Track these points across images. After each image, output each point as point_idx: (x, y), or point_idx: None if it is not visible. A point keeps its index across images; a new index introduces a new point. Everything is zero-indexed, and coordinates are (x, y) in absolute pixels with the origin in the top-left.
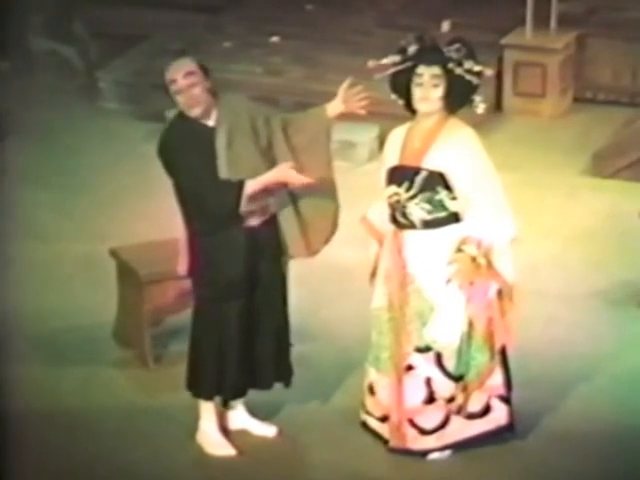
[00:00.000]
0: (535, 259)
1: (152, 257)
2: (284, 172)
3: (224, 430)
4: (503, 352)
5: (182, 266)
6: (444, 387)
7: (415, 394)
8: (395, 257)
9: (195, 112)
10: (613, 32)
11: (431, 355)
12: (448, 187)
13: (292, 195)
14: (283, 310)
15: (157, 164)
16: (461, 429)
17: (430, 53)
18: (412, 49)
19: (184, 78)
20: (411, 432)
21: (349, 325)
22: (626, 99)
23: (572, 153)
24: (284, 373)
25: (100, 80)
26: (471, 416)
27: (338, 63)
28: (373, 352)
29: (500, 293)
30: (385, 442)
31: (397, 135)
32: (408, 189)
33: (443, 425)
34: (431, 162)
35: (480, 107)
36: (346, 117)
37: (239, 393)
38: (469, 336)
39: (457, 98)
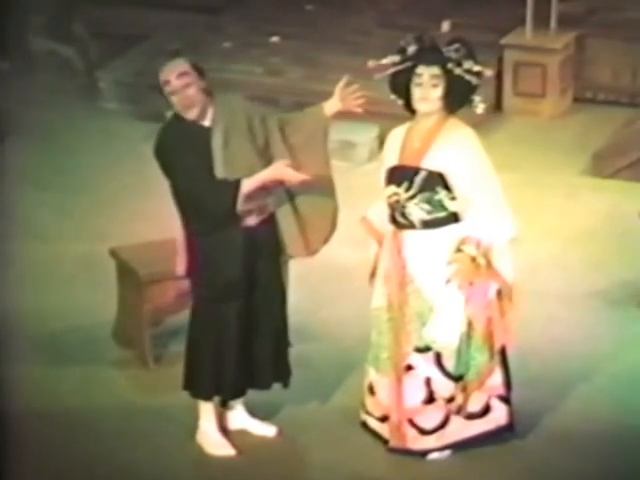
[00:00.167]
0: (535, 259)
1: (152, 257)
2: (280, 169)
3: (224, 430)
4: (503, 352)
5: (180, 266)
6: (444, 387)
7: (415, 394)
8: (395, 257)
9: (191, 114)
10: (613, 32)
11: (431, 355)
12: (447, 187)
13: (290, 194)
14: (282, 310)
15: (157, 164)
16: (461, 429)
17: (429, 53)
18: (411, 49)
19: (177, 79)
20: (411, 432)
21: (348, 325)
22: (626, 99)
23: (572, 153)
24: (283, 373)
25: (100, 80)
26: (471, 416)
27: (338, 63)
28: (373, 352)
29: (500, 293)
30: (385, 442)
31: (397, 135)
32: (407, 189)
33: (443, 425)
34: (430, 162)
35: (480, 107)
36: (345, 116)
37: (238, 393)
38: (469, 336)
39: (457, 98)
